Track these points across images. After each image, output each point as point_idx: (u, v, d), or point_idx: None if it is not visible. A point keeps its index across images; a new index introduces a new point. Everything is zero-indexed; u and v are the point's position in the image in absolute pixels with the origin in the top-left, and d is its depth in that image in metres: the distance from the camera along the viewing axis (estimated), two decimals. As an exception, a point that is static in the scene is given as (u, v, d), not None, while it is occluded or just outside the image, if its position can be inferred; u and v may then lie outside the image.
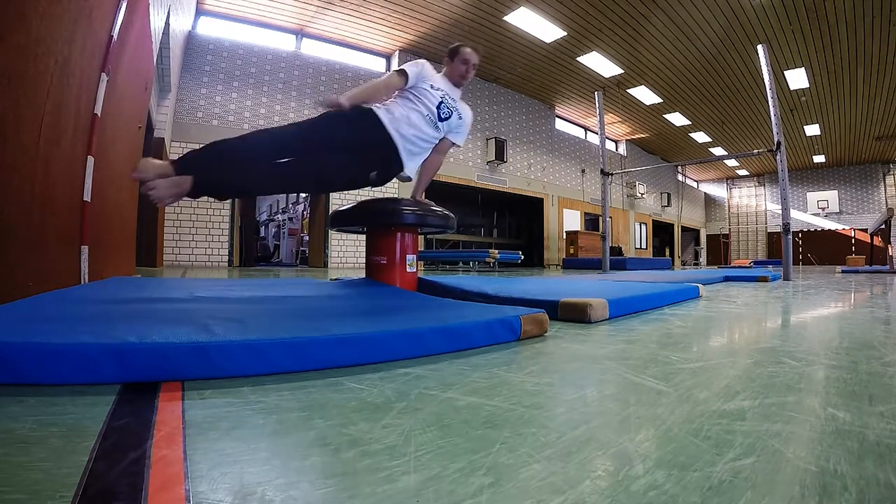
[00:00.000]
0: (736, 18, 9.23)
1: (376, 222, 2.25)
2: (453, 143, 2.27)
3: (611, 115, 14.64)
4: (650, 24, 9.50)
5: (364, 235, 2.46)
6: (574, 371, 0.91)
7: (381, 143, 1.95)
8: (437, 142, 2.18)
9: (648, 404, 0.67)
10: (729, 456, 0.48)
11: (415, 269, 2.27)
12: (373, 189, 2.41)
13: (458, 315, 1.18)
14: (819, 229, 20.64)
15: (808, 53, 10.42)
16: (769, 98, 5.52)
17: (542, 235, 14.15)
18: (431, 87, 2.14)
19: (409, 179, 2.16)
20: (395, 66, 10.93)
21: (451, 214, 2.34)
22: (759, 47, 5.70)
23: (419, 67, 2.14)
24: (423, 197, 2.37)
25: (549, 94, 13.72)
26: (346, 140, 1.88)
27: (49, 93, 1.78)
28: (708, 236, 23.66)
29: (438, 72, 2.25)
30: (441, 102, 2.16)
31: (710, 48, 10.46)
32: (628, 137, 17.43)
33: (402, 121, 2.00)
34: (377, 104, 2.02)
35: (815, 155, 18.73)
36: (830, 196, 20.32)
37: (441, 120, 2.14)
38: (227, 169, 1.74)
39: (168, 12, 5.51)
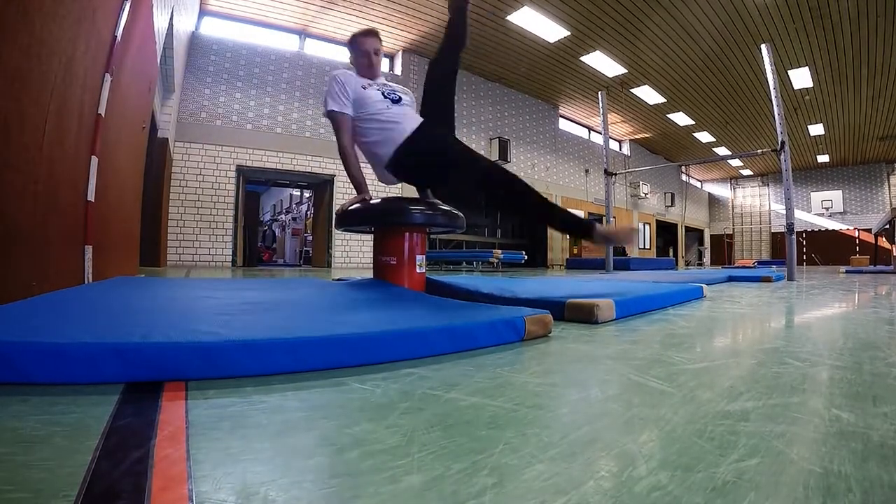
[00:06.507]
0: (739, 17, 9.20)
1: (386, 222, 2.23)
2: None
3: (614, 114, 14.61)
4: (653, 23, 9.48)
5: (369, 235, 2.43)
6: (578, 371, 0.91)
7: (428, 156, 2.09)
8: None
9: (652, 405, 0.67)
10: (733, 457, 0.48)
11: (424, 270, 2.26)
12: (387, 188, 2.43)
13: (463, 315, 1.17)
14: (823, 229, 20.55)
15: (811, 53, 10.38)
16: (773, 97, 5.50)
17: (545, 235, 14.12)
18: (363, 87, 2.09)
19: None
20: (398, 65, 10.93)
21: (460, 214, 2.31)
22: (763, 46, 5.68)
23: (336, 85, 2.04)
24: None
25: (553, 94, 13.70)
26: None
27: (53, 93, 1.78)
28: (712, 236, 23.58)
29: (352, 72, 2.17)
30: (383, 93, 2.09)
31: (714, 47, 10.43)
32: (632, 137, 17.39)
33: (388, 140, 2.02)
34: (363, 154, 2.10)
35: (819, 155, 18.65)
36: (834, 196, 20.22)
37: (395, 103, 2.09)
38: None
39: (171, 13, 5.53)
